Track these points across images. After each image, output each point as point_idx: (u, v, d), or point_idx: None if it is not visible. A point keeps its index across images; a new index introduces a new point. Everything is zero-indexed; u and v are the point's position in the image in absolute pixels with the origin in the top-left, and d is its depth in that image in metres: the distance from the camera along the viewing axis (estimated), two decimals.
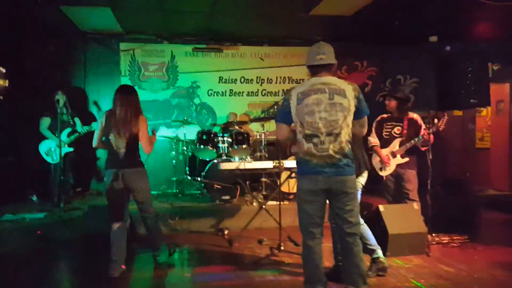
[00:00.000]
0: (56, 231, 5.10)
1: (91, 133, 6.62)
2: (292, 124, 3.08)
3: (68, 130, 6.08)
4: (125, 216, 3.86)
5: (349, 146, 2.95)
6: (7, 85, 3.09)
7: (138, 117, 3.80)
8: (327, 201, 3.04)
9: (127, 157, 3.76)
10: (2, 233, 5.01)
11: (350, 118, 2.94)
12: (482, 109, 8.41)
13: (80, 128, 6.27)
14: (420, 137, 4.74)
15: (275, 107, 6.83)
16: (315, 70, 3.04)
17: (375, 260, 3.81)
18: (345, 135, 2.92)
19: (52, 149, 6.05)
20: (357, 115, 2.98)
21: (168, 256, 4.23)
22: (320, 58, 2.99)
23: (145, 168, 3.94)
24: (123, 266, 3.80)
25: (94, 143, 3.94)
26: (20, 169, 6.27)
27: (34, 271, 4.00)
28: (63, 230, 5.12)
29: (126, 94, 3.87)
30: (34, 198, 6.44)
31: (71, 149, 6.11)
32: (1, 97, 3.15)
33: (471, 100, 5.34)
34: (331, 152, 2.88)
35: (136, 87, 7.28)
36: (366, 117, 3.05)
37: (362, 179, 3.79)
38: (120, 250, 3.79)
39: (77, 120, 6.32)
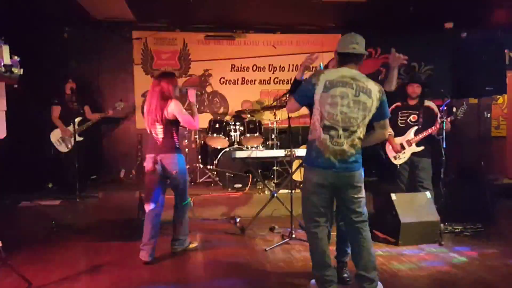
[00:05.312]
0: (72, 217, 5.20)
1: (102, 121, 6.73)
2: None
3: (79, 119, 6.13)
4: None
5: (360, 143, 2.95)
6: (21, 73, 3.11)
7: (165, 105, 3.83)
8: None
9: (163, 143, 3.91)
10: (19, 219, 5.12)
11: (368, 119, 2.93)
12: (498, 96, 8.27)
13: (89, 115, 6.32)
14: (437, 126, 4.69)
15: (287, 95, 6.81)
16: (345, 58, 3.00)
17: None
18: (360, 133, 2.92)
19: (63, 137, 6.10)
20: (379, 117, 2.97)
21: (183, 249, 4.22)
22: (353, 48, 2.95)
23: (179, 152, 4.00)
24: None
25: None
26: (36, 157, 6.36)
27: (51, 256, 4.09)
28: (78, 216, 5.21)
29: (155, 83, 3.94)
30: (50, 185, 6.55)
31: (81, 138, 6.15)
32: (16, 86, 3.17)
33: (487, 88, 5.25)
34: (345, 147, 2.88)
35: (148, 76, 7.55)
36: (387, 120, 3.03)
37: None
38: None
39: (86, 108, 6.37)
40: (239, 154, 5.02)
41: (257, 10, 6.86)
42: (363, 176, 3.03)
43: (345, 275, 3.39)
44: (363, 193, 3.01)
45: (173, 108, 3.84)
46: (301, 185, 6.14)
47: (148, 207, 3.94)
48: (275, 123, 6.64)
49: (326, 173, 2.93)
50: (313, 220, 3.04)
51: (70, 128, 6.03)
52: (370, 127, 3.03)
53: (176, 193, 4.10)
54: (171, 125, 3.91)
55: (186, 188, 4.12)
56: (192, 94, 4.13)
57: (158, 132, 3.90)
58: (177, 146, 3.98)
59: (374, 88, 2.93)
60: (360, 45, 2.99)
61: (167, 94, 3.88)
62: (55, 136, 6.12)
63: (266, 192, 6.00)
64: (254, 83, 7.96)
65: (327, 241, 3.07)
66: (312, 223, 3.05)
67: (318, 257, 3.03)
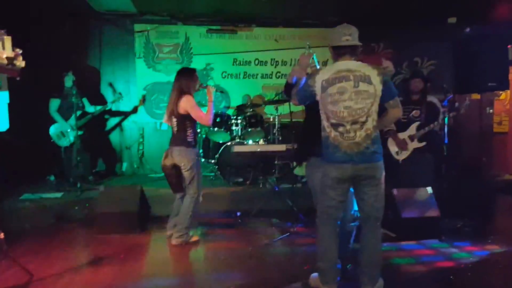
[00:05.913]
0: (73, 210, 5.21)
1: (103, 114, 6.74)
2: None
3: (79, 112, 6.10)
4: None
5: (376, 131, 2.90)
6: (23, 65, 3.11)
7: (181, 99, 4.00)
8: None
9: (176, 135, 4.12)
10: (21, 212, 5.14)
11: (377, 104, 2.87)
12: (501, 92, 8.25)
13: (88, 108, 6.30)
14: (439, 122, 4.68)
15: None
16: (339, 51, 2.96)
17: None
18: (372, 121, 2.86)
19: (63, 131, 6.10)
20: (388, 97, 2.91)
21: (185, 242, 4.21)
22: (346, 39, 2.92)
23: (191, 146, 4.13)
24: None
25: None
26: (38, 149, 6.36)
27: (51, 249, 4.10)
28: (79, 209, 5.22)
29: (175, 79, 4.13)
30: (52, 178, 6.56)
31: (81, 132, 6.13)
32: (18, 78, 3.17)
33: (490, 83, 5.24)
34: (358, 139, 2.84)
35: (150, 69, 7.54)
36: (397, 98, 2.97)
37: None
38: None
39: (85, 100, 6.35)
40: (240, 149, 5.03)
41: (259, 4, 6.82)
42: (383, 169, 2.96)
43: (347, 267, 3.39)
44: (382, 188, 2.95)
45: (185, 103, 3.98)
46: (303, 180, 6.23)
47: (177, 196, 4.29)
48: (276, 117, 6.63)
49: (345, 167, 2.87)
50: (326, 215, 3.01)
51: (70, 121, 6.02)
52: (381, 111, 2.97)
53: (185, 186, 4.19)
54: (185, 119, 4.05)
55: (194, 182, 4.15)
56: (210, 91, 4.25)
57: (174, 125, 4.11)
58: (189, 140, 4.09)
59: (372, 72, 2.88)
60: (353, 37, 2.94)
61: (186, 89, 4.04)
62: (53, 130, 6.11)
63: (267, 186, 6.00)
64: (256, 77, 7.94)
65: (336, 238, 3.03)
66: (324, 219, 3.02)
67: (325, 251, 3.00)
